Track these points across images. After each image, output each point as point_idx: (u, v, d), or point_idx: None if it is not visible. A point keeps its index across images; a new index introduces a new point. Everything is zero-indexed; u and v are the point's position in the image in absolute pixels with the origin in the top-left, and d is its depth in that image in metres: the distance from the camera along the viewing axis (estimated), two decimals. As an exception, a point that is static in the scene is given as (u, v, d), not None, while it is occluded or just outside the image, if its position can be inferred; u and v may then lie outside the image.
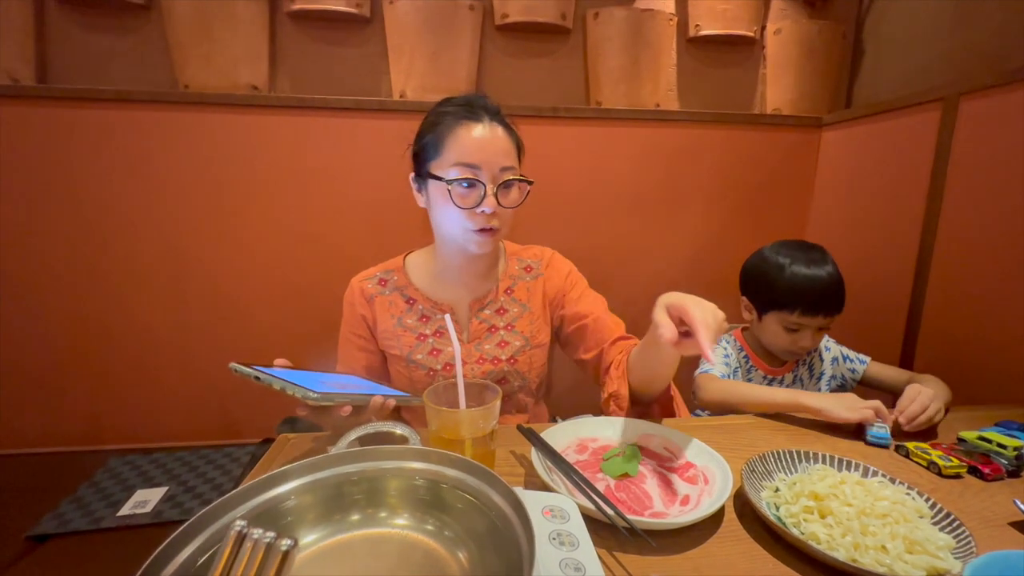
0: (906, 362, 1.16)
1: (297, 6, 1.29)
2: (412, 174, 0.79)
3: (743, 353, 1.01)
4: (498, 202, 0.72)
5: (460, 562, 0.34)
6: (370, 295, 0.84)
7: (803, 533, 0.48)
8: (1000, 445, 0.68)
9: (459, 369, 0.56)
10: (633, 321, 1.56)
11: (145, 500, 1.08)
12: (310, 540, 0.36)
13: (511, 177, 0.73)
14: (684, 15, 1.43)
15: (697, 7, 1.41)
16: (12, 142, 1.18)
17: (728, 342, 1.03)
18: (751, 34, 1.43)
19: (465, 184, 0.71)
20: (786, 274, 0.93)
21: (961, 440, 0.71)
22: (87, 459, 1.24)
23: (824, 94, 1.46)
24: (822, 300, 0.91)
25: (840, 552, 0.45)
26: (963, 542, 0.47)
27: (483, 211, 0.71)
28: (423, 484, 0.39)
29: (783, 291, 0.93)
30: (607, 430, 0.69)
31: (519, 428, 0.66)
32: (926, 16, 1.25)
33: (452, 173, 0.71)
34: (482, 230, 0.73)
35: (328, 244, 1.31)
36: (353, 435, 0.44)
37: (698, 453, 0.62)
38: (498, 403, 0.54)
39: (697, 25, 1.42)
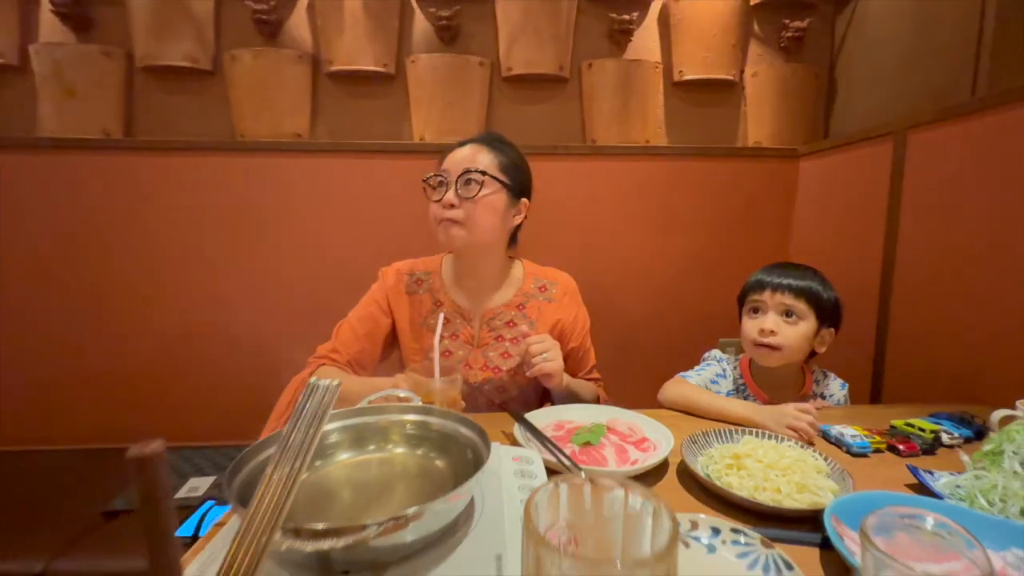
0: (876, 370, 1.26)
1: (335, 68, 1.53)
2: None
3: (741, 381, 1.00)
4: (458, 195, 0.89)
5: (440, 467, 0.50)
6: (406, 290, 1.00)
7: (720, 481, 0.61)
8: (920, 429, 0.79)
9: (436, 353, 0.74)
10: (624, 332, 1.70)
11: (197, 486, 1.25)
12: (344, 458, 0.52)
13: (472, 176, 0.88)
14: (668, 63, 1.62)
15: (680, 55, 1.59)
16: (106, 184, 1.44)
17: (728, 364, 1.02)
18: (731, 77, 1.60)
19: (434, 182, 0.91)
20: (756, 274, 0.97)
21: (892, 427, 0.82)
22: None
23: (801, 128, 1.60)
24: (776, 270, 0.93)
25: (744, 492, 0.58)
26: (846, 488, 0.59)
27: (444, 202, 0.88)
28: (415, 426, 0.55)
29: (749, 283, 0.97)
30: (583, 414, 0.83)
31: (509, 411, 0.81)
32: (885, 58, 1.40)
33: (430, 180, 0.92)
34: (444, 220, 0.89)
35: (361, 265, 1.50)
36: (372, 396, 0.59)
37: (655, 430, 0.75)
38: (459, 377, 0.74)
39: (680, 71, 1.59)
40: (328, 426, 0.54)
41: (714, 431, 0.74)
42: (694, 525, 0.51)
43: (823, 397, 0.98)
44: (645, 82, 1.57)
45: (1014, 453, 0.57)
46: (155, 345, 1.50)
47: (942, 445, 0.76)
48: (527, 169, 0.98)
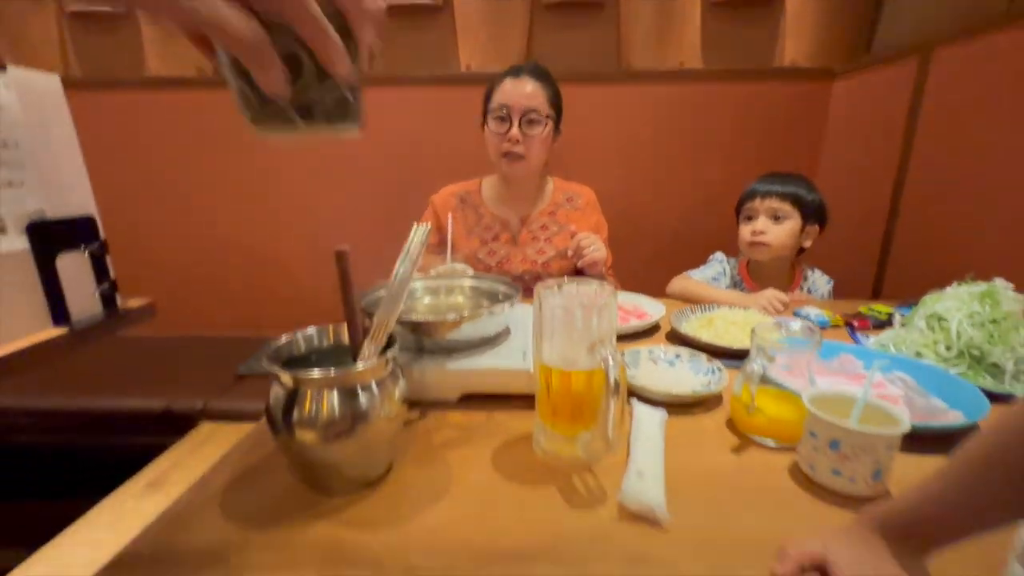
0: (878, 274, 1.38)
1: (389, 3, 1.66)
2: (482, 121, 1.16)
3: (739, 277, 1.18)
4: (522, 132, 1.06)
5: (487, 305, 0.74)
6: (453, 206, 1.23)
7: (692, 334, 0.82)
8: (878, 311, 0.95)
9: (449, 242, 0.99)
10: (653, 254, 1.86)
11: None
12: (426, 301, 0.77)
13: (533, 115, 1.07)
14: (708, -19, 1.64)
15: (720, -27, 1.60)
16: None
17: (728, 264, 1.21)
18: (771, -6, 1.60)
19: (498, 118, 1.08)
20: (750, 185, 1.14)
21: (858, 312, 0.99)
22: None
23: (842, 45, 1.61)
24: (766, 180, 1.09)
25: (705, 336, 0.79)
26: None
27: (508, 139, 1.07)
28: (471, 286, 0.78)
29: (744, 193, 1.14)
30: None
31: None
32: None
33: (492, 112, 1.08)
34: (508, 154, 1.09)
35: (418, 187, 1.73)
36: (440, 268, 0.83)
37: (653, 307, 0.96)
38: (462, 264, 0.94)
39: (720, -10, 1.61)
40: (415, 283, 0.78)
41: (700, 307, 0.94)
42: (664, 352, 0.73)
43: (809, 291, 1.15)
44: (683, 3, 1.61)
45: (923, 314, 0.74)
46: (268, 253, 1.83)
47: (891, 324, 0.93)
48: (561, 98, 1.15)
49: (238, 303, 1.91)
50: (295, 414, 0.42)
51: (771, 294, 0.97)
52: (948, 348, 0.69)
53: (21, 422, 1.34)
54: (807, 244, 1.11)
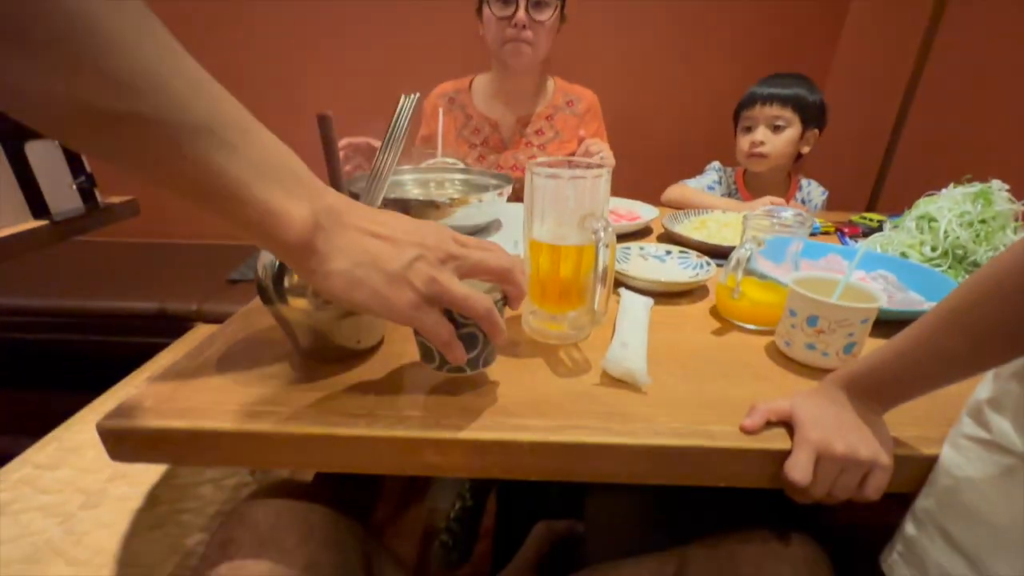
0: (877, 185, 1.37)
1: None
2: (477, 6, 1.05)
3: (734, 186, 1.17)
4: (529, 16, 0.96)
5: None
6: (444, 109, 1.16)
7: (685, 234, 0.82)
8: (870, 219, 0.95)
9: (440, 136, 0.93)
10: (652, 163, 1.83)
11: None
12: (415, 192, 0.75)
13: None
14: None
15: None
16: None
17: (724, 173, 1.19)
18: None
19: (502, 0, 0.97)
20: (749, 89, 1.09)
21: (850, 220, 0.99)
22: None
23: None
24: (766, 82, 1.04)
25: (697, 236, 0.79)
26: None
27: (514, 24, 0.97)
28: (461, 179, 0.76)
29: (743, 98, 1.09)
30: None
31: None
32: None
33: None
34: (513, 41, 0.99)
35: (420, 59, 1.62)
36: (429, 162, 0.81)
37: (646, 211, 0.95)
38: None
39: None
40: (404, 176, 0.76)
41: (694, 211, 0.93)
42: (655, 249, 0.73)
43: (804, 202, 1.14)
44: None
45: (915, 215, 0.74)
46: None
47: (882, 231, 0.93)
48: None
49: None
50: (286, 281, 0.42)
51: (767, 200, 0.96)
52: (934, 249, 0.70)
53: (19, 320, 1.35)
54: (805, 150, 1.08)
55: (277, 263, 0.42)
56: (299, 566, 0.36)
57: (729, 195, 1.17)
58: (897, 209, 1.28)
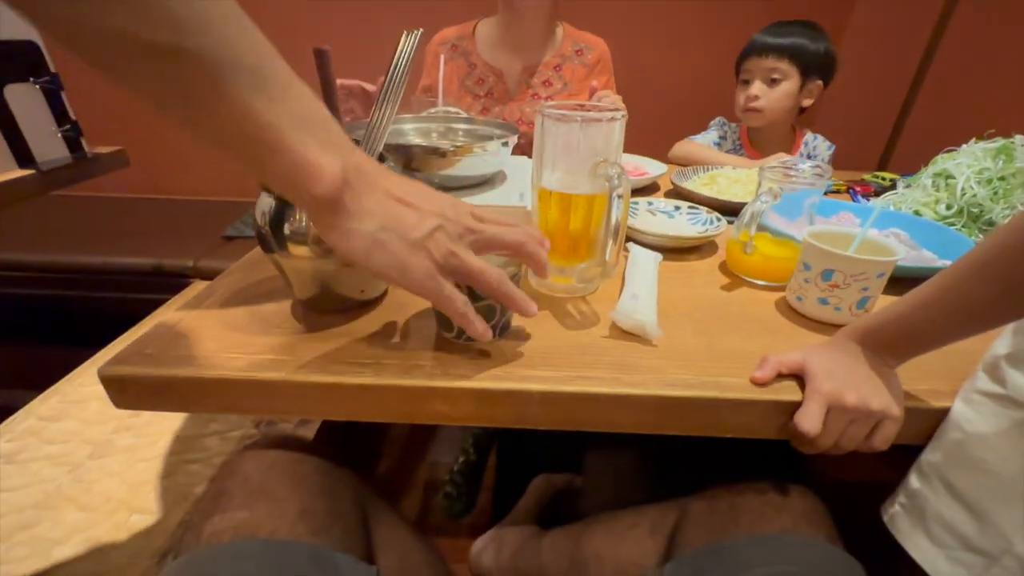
0: (890, 143, 1.33)
1: None
2: None
3: (739, 142, 1.13)
4: None
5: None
6: (445, 58, 1.11)
7: (695, 190, 0.79)
8: (883, 177, 0.93)
9: (440, 83, 0.88)
10: (661, 117, 1.77)
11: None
12: (417, 142, 0.72)
13: None
14: None
15: None
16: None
17: (729, 128, 1.15)
18: None
19: None
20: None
21: (862, 179, 0.96)
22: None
23: None
24: (768, 31, 0.99)
25: (707, 192, 0.77)
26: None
27: None
28: (464, 127, 0.73)
29: (743, 50, 1.04)
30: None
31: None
32: None
33: None
34: None
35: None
36: (432, 110, 0.77)
37: (654, 167, 0.92)
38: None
39: None
40: (405, 125, 0.73)
41: (703, 167, 0.90)
42: (663, 204, 0.71)
43: (810, 156, 1.11)
44: None
45: (932, 172, 0.72)
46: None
47: (895, 190, 0.91)
48: None
49: (223, 166, 1.81)
50: (286, 228, 0.40)
51: (779, 159, 0.93)
52: (949, 207, 0.68)
53: (11, 276, 1.33)
54: (807, 103, 1.04)
55: (275, 207, 0.40)
56: (292, 513, 0.36)
57: (734, 151, 1.14)
58: (910, 168, 1.25)
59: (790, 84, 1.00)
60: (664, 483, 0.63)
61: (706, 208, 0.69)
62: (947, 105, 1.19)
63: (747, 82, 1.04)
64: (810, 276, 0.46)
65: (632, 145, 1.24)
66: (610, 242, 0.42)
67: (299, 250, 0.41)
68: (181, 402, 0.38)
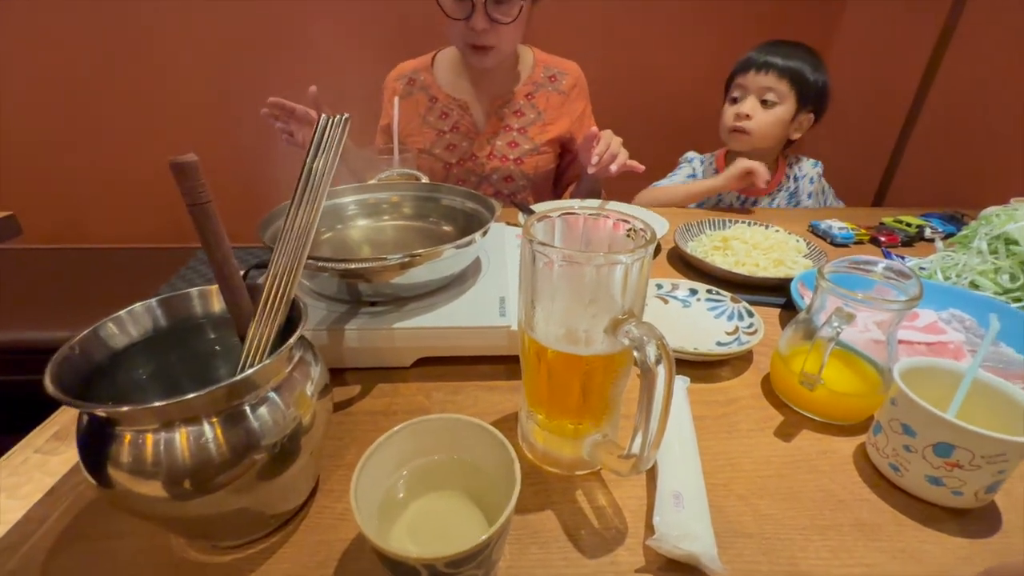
0: (888, 170, 1.25)
1: None
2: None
3: (715, 173, 1.00)
4: (490, 17, 0.77)
5: (448, 231, 0.55)
6: (402, 94, 0.95)
7: (706, 259, 0.66)
8: (907, 224, 0.82)
9: (395, 133, 0.76)
10: (663, 122, 1.62)
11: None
12: (361, 224, 0.57)
13: None
14: None
15: None
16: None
17: (700, 163, 1.04)
18: None
19: None
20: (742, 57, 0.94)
21: (881, 224, 0.86)
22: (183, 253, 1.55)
23: None
24: (767, 48, 0.90)
25: (726, 267, 0.63)
26: (820, 261, 0.65)
27: (472, 26, 0.77)
28: (424, 200, 0.58)
29: (738, 63, 0.94)
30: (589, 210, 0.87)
31: (515, 203, 0.85)
32: None
33: None
34: (475, 46, 0.81)
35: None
36: (383, 175, 0.62)
37: (652, 220, 0.79)
38: (411, 156, 0.75)
39: None
40: (345, 199, 0.57)
41: (708, 220, 0.78)
42: (674, 287, 0.58)
43: (796, 180, 1.01)
44: None
45: (986, 234, 0.61)
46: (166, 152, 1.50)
47: (923, 239, 0.80)
48: None
49: (160, 208, 1.60)
50: (124, 463, 0.25)
51: (745, 166, 0.87)
52: (1014, 279, 0.56)
53: None
54: (796, 136, 0.95)
55: (95, 434, 0.25)
56: None
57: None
58: (914, 200, 1.16)
59: (784, 109, 0.91)
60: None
61: (719, 289, 0.56)
62: (952, 129, 1.10)
63: (736, 100, 0.93)
64: (914, 445, 0.33)
65: (620, 191, 1.12)
66: (640, 434, 0.28)
67: (144, 488, 0.25)
68: None
